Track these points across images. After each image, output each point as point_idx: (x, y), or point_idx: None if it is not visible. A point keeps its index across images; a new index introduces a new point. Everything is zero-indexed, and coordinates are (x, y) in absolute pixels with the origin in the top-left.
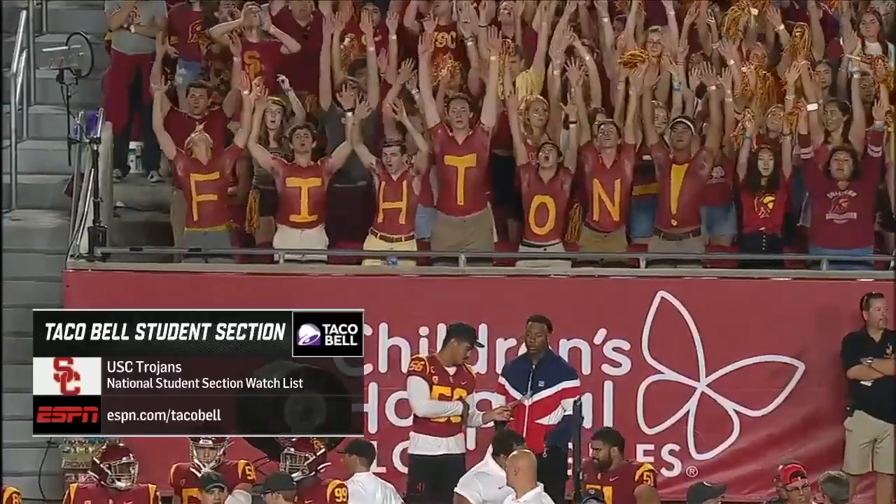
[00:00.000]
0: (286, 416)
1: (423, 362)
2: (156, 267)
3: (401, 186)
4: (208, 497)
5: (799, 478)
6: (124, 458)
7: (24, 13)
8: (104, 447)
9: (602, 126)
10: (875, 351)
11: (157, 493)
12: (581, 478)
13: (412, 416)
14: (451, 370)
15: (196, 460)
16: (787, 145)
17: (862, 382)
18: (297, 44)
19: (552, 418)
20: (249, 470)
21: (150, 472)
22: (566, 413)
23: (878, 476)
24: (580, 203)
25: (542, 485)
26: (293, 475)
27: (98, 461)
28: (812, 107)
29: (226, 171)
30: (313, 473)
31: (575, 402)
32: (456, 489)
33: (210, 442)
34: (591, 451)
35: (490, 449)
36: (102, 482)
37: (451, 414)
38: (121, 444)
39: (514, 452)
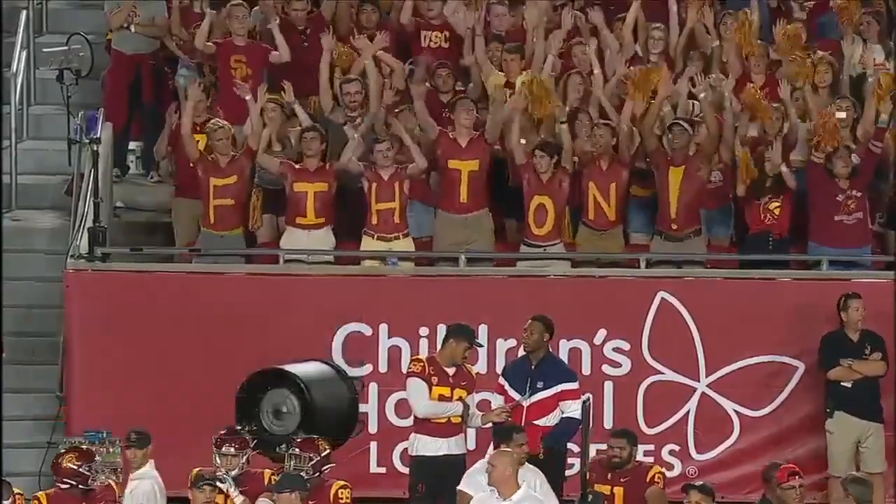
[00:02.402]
0: (261, 415)
1: (422, 363)
2: (156, 267)
3: (393, 187)
4: (199, 496)
5: (796, 477)
6: (97, 458)
7: (24, 13)
8: (73, 452)
9: (596, 128)
10: (853, 351)
11: (118, 486)
12: (587, 478)
13: (412, 417)
14: (451, 370)
15: (219, 468)
16: (778, 148)
17: (842, 384)
18: (288, 54)
19: (549, 420)
20: (275, 479)
21: (170, 472)
22: (564, 415)
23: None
24: (571, 204)
25: (525, 482)
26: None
27: (76, 466)
28: (841, 115)
29: (244, 173)
30: (317, 474)
31: (584, 402)
32: (459, 486)
33: (232, 449)
34: (613, 449)
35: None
36: (81, 485)
37: (450, 414)
38: (84, 447)
39: (493, 452)
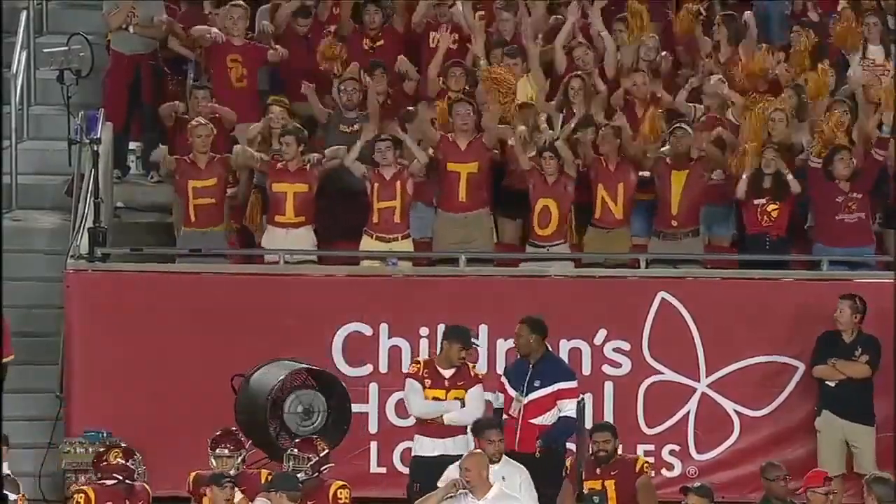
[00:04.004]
0: (286, 417)
1: (418, 365)
2: (156, 267)
3: (394, 186)
4: (219, 493)
5: (830, 482)
6: (137, 455)
7: (24, 13)
8: (117, 448)
9: (602, 131)
10: (842, 352)
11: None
12: (583, 478)
13: (413, 418)
14: (448, 372)
15: (215, 469)
16: (783, 165)
17: (827, 382)
18: (286, 51)
19: (546, 418)
20: (269, 477)
21: (170, 471)
22: (562, 414)
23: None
24: (575, 206)
25: (498, 483)
26: (296, 476)
27: (123, 461)
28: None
29: (223, 174)
30: (316, 474)
31: (578, 402)
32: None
33: (226, 451)
34: (596, 444)
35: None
36: (128, 480)
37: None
38: (124, 444)
39: (465, 455)
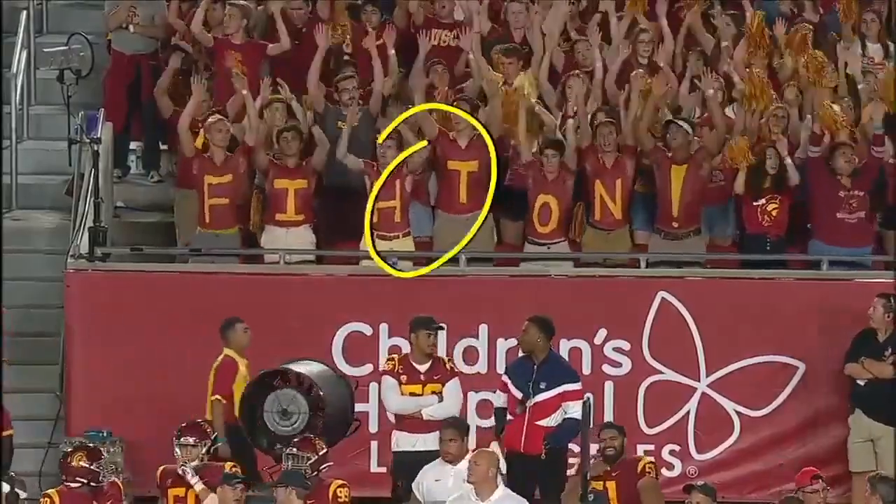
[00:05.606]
0: (265, 415)
1: (393, 361)
2: (156, 267)
3: (394, 185)
4: (229, 493)
5: (820, 480)
6: (104, 456)
7: (24, 13)
8: (82, 450)
9: (601, 127)
10: (874, 350)
11: (122, 485)
12: (587, 477)
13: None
14: (424, 367)
15: (179, 459)
16: (784, 149)
17: (857, 381)
18: (289, 41)
19: (552, 420)
20: (234, 470)
21: (146, 472)
22: (567, 415)
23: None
24: (583, 203)
25: (503, 487)
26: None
27: (87, 465)
28: (836, 108)
29: (239, 171)
30: (315, 473)
31: (584, 402)
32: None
33: (191, 440)
34: (604, 442)
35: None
36: (91, 482)
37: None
38: (92, 445)
39: (476, 450)
